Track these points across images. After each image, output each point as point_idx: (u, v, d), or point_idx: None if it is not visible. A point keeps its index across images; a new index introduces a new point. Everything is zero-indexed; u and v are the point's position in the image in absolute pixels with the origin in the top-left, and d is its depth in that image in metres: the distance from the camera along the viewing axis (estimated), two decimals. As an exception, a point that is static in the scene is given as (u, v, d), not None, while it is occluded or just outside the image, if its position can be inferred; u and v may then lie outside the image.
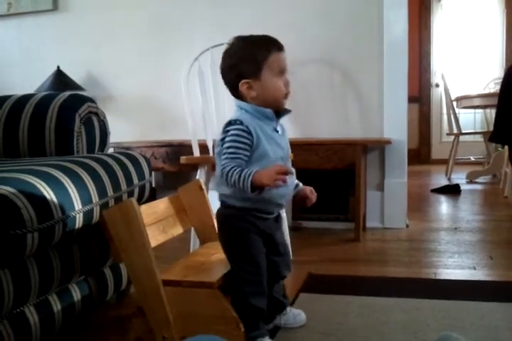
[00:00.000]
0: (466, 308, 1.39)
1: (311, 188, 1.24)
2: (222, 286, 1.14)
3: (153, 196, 1.62)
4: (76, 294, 1.23)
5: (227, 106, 2.06)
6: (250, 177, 1.05)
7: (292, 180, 1.20)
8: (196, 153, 2.07)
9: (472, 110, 5.69)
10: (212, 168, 1.88)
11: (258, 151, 1.12)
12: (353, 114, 2.61)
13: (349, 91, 2.60)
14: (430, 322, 1.31)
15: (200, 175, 1.95)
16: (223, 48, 1.21)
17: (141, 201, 1.47)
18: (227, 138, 1.11)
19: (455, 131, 4.76)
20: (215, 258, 1.28)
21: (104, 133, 1.64)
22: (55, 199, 1.05)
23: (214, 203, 1.32)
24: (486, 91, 5.30)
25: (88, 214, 1.16)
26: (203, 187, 1.41)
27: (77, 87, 2.87)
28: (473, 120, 6.11)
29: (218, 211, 1.21)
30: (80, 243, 1.24)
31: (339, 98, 2.62)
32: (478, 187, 4.25)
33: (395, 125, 2.54)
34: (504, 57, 6.02)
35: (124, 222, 1.09)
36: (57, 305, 1.16)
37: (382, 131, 2.56)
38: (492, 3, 6.06)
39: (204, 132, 2.06)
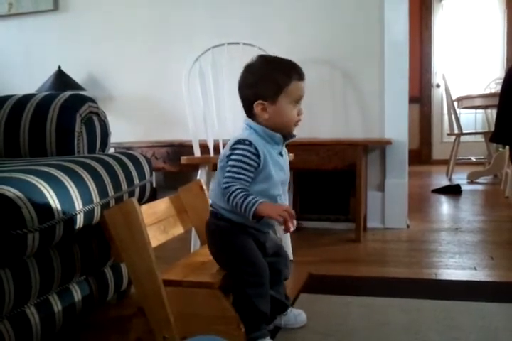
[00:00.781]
0: (466, 309, 1.39)
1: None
2: (223, 286, 1.14)
3: (153, 196, 1.62)
4: (77, 294, 1.23)
5: (227, 107, 2.06)
6: (254, 207, 1.06)
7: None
8: (197, 153, 2.08)
9: (473, 110, 5.68)
10: (213, 168, 1.87)
11: (264, 173, 1.13)
12: (353, 114, 2.60)
13: (350, 92, 2.60)
14: (431, 322, 1.31)
15: (201, 175, 1.95)
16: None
17: (141, 201, 1.47)
18: (233, 156, 1.11)
19: (456, 131, 4.76)
20: (216, 259, 1.27)
21: (105, 133, 1.64)
22: (55, 199, 1.05)
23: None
24: (487, 91, 5.30)
25: (89, 214, 1.16)
26: (204, 187, 1.41)
27: (78, 87, 2.87)
28: (474, 120, 6.10)
29: (211, 222, 1.20)
30: (81, 243, 1.24)
31: (340, 98, 2.62)
32: (479, 187, 4.25)
33: (395, 125, 2.54)
34: (505, 57, 6.02)
35: (125, 222, 1.09)
36: (57, 305, 1.16)
37: (383, 131, 2.56)
38: (493, 3, 6.06)
39: (205, 132, 2.06)
